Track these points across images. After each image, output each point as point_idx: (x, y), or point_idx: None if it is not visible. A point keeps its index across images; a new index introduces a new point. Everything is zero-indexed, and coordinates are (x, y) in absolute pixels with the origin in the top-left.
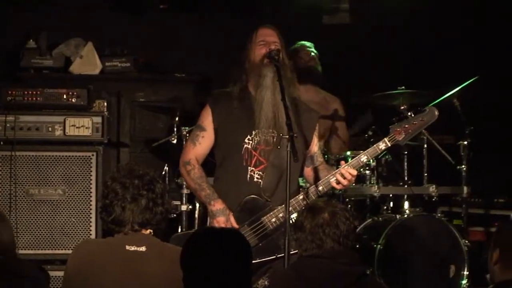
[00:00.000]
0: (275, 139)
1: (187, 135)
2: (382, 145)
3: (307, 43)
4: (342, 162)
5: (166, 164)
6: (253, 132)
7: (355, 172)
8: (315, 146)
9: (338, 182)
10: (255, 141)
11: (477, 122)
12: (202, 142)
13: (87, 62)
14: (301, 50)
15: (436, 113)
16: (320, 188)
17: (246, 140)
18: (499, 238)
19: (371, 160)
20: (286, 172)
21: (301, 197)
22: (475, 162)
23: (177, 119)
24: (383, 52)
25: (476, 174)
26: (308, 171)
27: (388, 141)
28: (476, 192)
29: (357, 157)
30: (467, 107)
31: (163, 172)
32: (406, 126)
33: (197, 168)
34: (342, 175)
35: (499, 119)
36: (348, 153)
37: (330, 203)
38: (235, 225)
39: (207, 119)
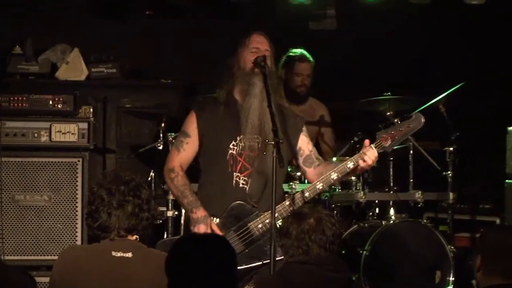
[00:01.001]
0: (259, 145)
1: (173, 141)
2: None
3: (307, 54)
4: (367, 141)
5: (152, 170)
6: (238, 138)
7: (376, 154)
8: (308, 145)
9: (356, 166)
10: (240, 147)
11: (463, 128)
12: (187, 149)
13: (73, 68)
14: (301, 61)
15: (423, 119)
16: (307, 194)
17: (231, 146)
18: (480, 245)
19: None
20: (272, 178)
21: (287, 203)
22: (461, 168)
23: (163, 125)
24: (370, 58)
25: (462, 180)
26: (311, 171)
27: (375, 147)
28: (462, 198)
29: (343, 164)
30: (452, 113)
31: (149, 178)
32: (393, 132)
33: (180, 176)
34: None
35: (485, 125)
36: (334, 159)
37: (315, 209)
38: (218, 232)
39: (192, 125)
